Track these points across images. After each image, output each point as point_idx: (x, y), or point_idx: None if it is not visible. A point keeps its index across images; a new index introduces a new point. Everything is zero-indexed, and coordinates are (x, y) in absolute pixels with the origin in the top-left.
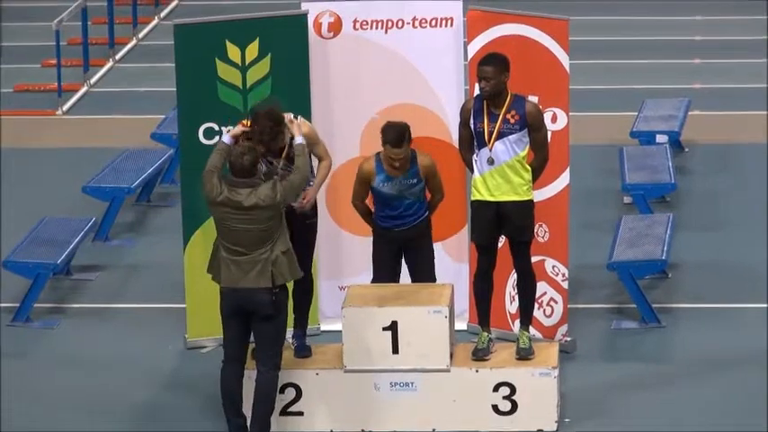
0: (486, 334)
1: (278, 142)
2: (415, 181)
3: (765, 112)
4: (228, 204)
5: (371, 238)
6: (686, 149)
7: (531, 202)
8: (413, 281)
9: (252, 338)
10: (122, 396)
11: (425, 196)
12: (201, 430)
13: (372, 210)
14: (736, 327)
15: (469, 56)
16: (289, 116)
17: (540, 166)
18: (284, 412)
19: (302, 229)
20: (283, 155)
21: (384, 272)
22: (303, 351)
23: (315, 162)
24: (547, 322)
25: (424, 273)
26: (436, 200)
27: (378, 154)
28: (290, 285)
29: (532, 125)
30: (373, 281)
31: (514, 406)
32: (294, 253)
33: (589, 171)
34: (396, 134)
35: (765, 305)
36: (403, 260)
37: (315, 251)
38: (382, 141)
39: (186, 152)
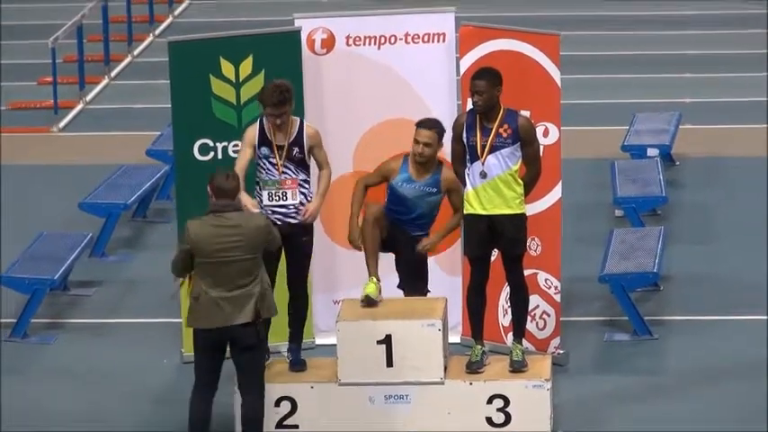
0: (479, 347)
1: (285, 112)
2: (434, 190)
3: (755, 126)
4: (214, 234)
5: (365, 254)
6: (677, 163)
7: (523, 215)
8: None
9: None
10: (119, 410)
11: (436, 215)
12: None
13: (363, 203)
14: (728, 338)
15: (462, 71)
16: (249, 204)
17: (532, 180)
18: (280, 425)
19: (297, 246)
20: (286, 144)
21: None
22: (298, 365)
23: (314, 169)
24: (540, 335)
25: (406, 279)
26: (456, 219)
27: (407, 155)
28: (285, 301)
29: (525, 139)
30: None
31: (508, 418)
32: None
33: (581, 185)
34: (429, 120)
35: (757, 317)
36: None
37: (309, 267)
38: (416, 126)
39: (181, 168)
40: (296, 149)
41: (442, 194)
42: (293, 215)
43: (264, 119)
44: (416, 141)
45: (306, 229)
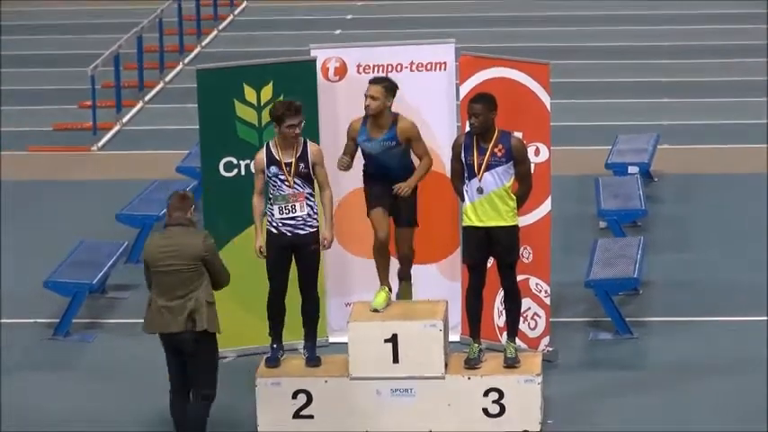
0: (476, 345)
1: (302, 121)
2: (393, 143)
3: (726, 146)
4: (162, 243)
5: (374, 260)
6: (655, 179)
7: (516, 226)
8: (394, 222)
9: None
10: (151, 401)
11: (410, 160)
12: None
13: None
14: (702, 338)
15: (461, 96)
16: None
17: (524, 195)
18: (296, 416)
19: (306, 254)
20: (294, 161)
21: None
22: (313, 361)
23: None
24: (531, 334)
25: (403, 213)
26: (424, 163)
27: (365, 115)
28: (299, 303)
29: (517, 158)
30: (369, 213)
31: (502, 409)
32: (215, 307)
33: (568, 199)
34: (379, 76)
35: (730, 318)
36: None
37: (321, 273)
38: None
39: (208, 183)
40: (302, 165)
41: (403, 145)
42: (302, 226)
43: (270, 143)
44: (365, 95)
45: (314, 239)
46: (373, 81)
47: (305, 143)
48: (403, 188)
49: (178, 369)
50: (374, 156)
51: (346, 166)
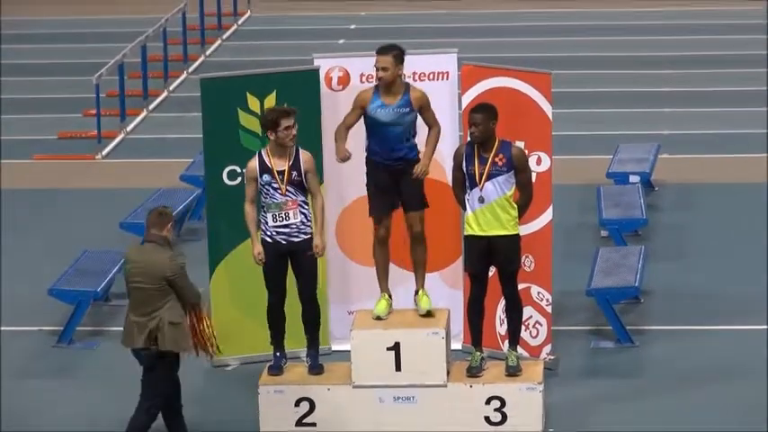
0: (478, 353)
1: (297, 123)
2: (407, 110)
3: (727, 156)
4: (134, 259)
5: (376, 271)
6: (656, 189)
7: (517, 235)
8: (404, 208)
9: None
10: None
11: (415, 134)
12: None
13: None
14: (702, 346)
15: (463, 106)
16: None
17: (525, 204)
18: (299, 423)
19: (302, 261)
20: (286, 168)
21: (378, 199)
22: (316, 369)
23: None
24: (533, 342)
25: (414, 199)
26: (434, 131)
27: (377, 85)
28: (299, 310)
29: (518, 167)
30: (372, 212)
31: (504, 417)
32: (182, 327)
33: (570, 208)
34: (386, 45)
35: (730, 326)
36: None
37: (322, 280)
38: (375, 53)
39: (212, 192)
40: (295, 173)
41: (415, 112)
42: (296, 234)
43: (262, 151)
44: (376, 67)
45: (309, 246)
46: (381, 51)
47: (297, 151)
48: (421, 169)
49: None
50: (383, 126)
51: (345, 158)
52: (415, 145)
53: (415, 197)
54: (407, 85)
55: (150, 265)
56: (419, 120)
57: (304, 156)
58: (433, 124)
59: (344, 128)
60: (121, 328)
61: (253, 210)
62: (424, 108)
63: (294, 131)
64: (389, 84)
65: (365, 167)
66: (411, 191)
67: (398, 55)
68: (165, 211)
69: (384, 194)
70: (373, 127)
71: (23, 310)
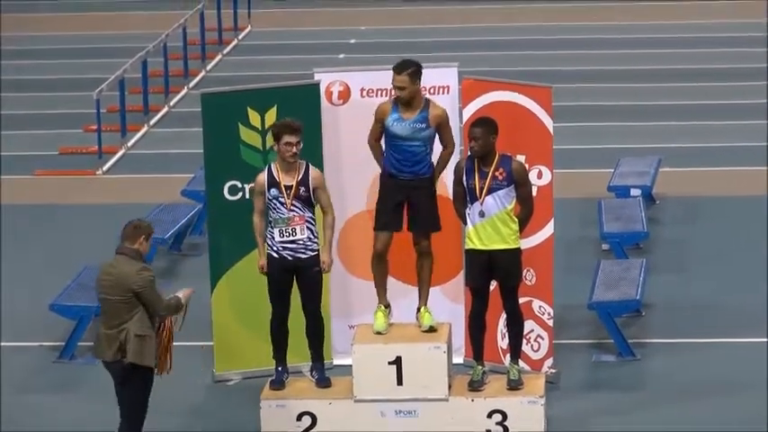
0: (480, 367)
1: (300, 141)
2: (423, 126)
3: (727, 168)
4: (105, 271)
5: (375, 284)
6: (657, 202)
7: (518, 249)
8: (412, 229)
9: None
10: (157, 423)
11: (432, 151)
12: None
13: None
14: (704, 359)
15: (464, 119)
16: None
17: (526, 218)
18: None
19: (308, 277)
20: (294, 184)
21: (385, 215)
22: (323, 382)
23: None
24: (534, 356)
25: (423, 219)
26: (447, 152)
27: (397, 97)
28: (300, 325)
29: (518, 181)
30: (376, 225)
31: (506, 431)
32: (149, 341)
33: (571, 221)
34: (402, 63)
35: (731, 339)
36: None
37: (326, 295)
38: (392, 71)
39: (213, 207)
40: (302, 188)
41: (432, 129)
42: (302, 250)
43: (272, 165)
44: (393, 86)
45: (315, 261)
46: (397, 70)
47: (307, 167)
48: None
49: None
50: (399, 140)
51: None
52: (432, 163)
53: (426, 219)
54: (428, 101)
55: (118, 277)
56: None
57: (314, 173)
58: (447, 144)
59: (374, 141)
60: None
61: (261, 221)
62: (442, 126)
63: (295, 149)
64: (410, 100)
65: (368, 182)
66: (424, 211)
67: (415, 72)
68: (139, 224)
69: (392, 213)
70: (390, 140)
71: (24, 325)
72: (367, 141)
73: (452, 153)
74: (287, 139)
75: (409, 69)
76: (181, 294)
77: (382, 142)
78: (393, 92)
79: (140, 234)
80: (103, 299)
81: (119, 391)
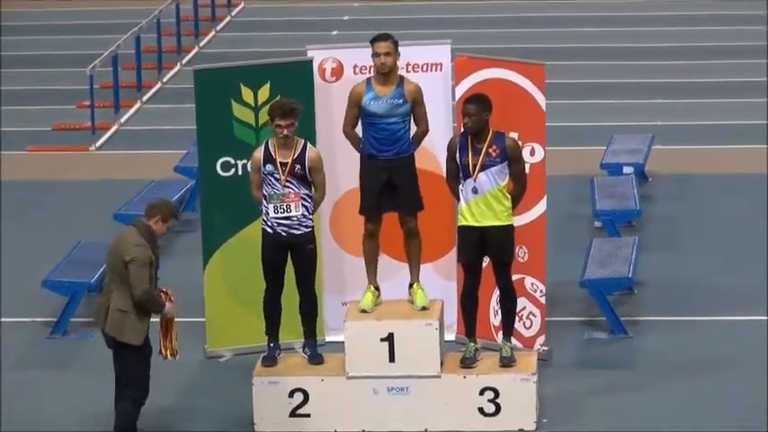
0: (472, 344)
1: (292, 124)
2: (400, 101)
3: (719, 147)
4: (114, 238)
5: (365, 263)
6: (650, 179)
7: (511, 226)
8: (397, 209)
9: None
10: (149, 399)
11: (410, 128)
12: (219, 430)
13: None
14: (696, 337)
15: (457, 97)
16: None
17: (519, 195)
18: (293, 414)
19: (302, 254)
20: (290, 161)
21: (370, 199)
22: (316, 359)
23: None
24: (526, 333)
25: (407, 199)
26: (420, 130)
27: (369, 78)
28: (297, 302)
29: (512, 158)
30: (362, 210)
31: (498, 408)
32: (133, 318)
33: (564, 199)
34: (382, 33)
35: (723, 317)
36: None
37: (318, 272)
38: (372, 42)
39: (205, 183)
40: (298, 166)
41: (409, 104)
42: (296, 226)
43: (269, 141)
44: (377, 54)
45: (309, 239)
46: (379, 38)
47: (304, 146)
48: None
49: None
50: (377, 118)
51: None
52: (411, 142)
53: (410, 200)
54: (401, 77)
55: (116, 247)
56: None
57: (311, 153)
58: (420, 122)
59: (350, 128)
60: None
61: (260, 194)
62: (417, 102)
63: (286, 131)
64: (388, 72)
65: (354, 162)
66: (406, 191)
67: (395, 42)
68: (156, 204)
69: (376, 195)
70: (368, 119)
71: (18, 301)
72: (342, 130)
73: (426, 132)
74: (277, 121)
75: (391, 38)
76: (167, 306)
77: (358, 129)
78: (372, 68)
79: (156, 214)
80: (107, 265)
81: (113, 360)
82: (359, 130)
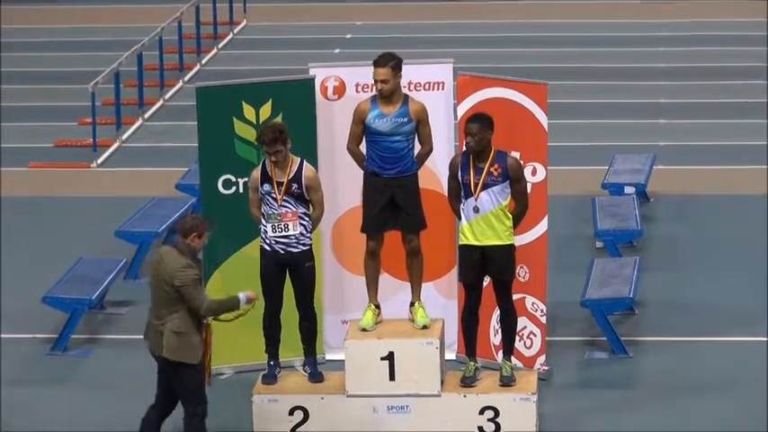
0: (472, 363)
1: (279, 150)
2: (405, 120)
3: (721, 167)
4: (155, 260)
5: (366, 281)
6: (651, 200)
7: (512, 246)
8: (400, 228)
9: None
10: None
11: (414, 147)
12: None
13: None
14: (696, 358)
15: (459, 116)
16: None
17: (520, 214)
18: None
19: (302, 272)
20: (286, 180)
21: (372, 216)
22: (316, 377)
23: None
24: (527, 353)
25: (410, 218)
26: (425, 150)
27: (374, 96)
28: (293, 320)
29: (513, 177)
30: (364, 228)
31: (498, 428)
32: (190, 339)
33: (565, 219)
34: (382, 57)
35: (723, 338)
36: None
37: (319, 290)
38: (372, 66)
39: (207, 201)
40: (295, 185)
41: (414, 123)
42: (295, 245)
43: (266, 160)
44: (375, 80)
45: (307, 257)
46: (378, 63)
47: (301, 164)
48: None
49: (159, 383)
50: (381, 138)
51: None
52: (416, 160)
53: (413, 219)
54: (406, 96)
55: (162, 271)
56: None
57: (308, 172)
58: (424, 141)
59: (355, 145)
60: (116, 336)
61: (258, 213)
62: (422, 122)
63: (274, 158)
64: (389, 95)
65: (361, 177)
66: (409, 210)
67: (396, 64)
68: (190, 222)
69: (379, 213)
70: (372, 137)
71: (18, 317)
72: (346, 148)
73: (430, 152)
74: (265, 149)
75: (391, 62)
76: (242, 295)
77: (362, 147)
78: (374, 87)
79: (192, 231)
80: (151, 287)
81: (167, 381)
82: (363, 147)
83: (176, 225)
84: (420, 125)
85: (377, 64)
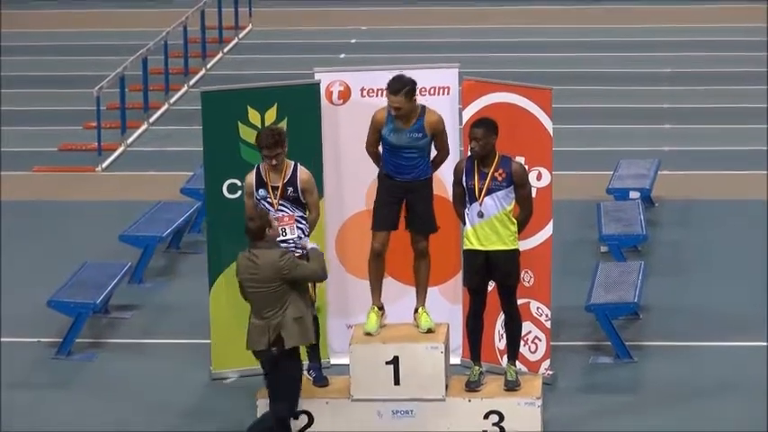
0: (477, 368)
1: (279, 154)
2: (420, 135)
3: (725, 172)
4: (245, 264)
5: (370, 284)
6: (656, 204)
7: (517, 250)
8: (410, 229)
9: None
10: (154, 421)
11: (429, 155)
12: None
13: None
14: (699, 362)
15: (464, 120)
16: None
17: (525, 219)
18: None
19: None
20: (281, 185)
21: (382, 213)
22: (321, 381)
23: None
24: (531, 357)
25: (421, 221)
26: (440, 156)
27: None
28: None
29: (518, 182)
30: (373, 225)
31: None
32: (309, 319)
33: (570, 223)
34: (396, 82)
35: (727, 343)
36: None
37: (323, 294)
38: (386, 89)
39: (212, 205)
40: (290, 189)
41: (429, 137)
42: (293, 249)
43: (260, 165)
44: (389, 104)
45: (308, 260)
46: (392, 91)
47: (295, 168)
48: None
49: (268, 384)
50: (396, 149)
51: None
52: (430, 165)
53: (424, 221)
54: (423, 108)
55: (261, 269)
56: None
57: (302, 174)
58: (441, 149)
59: (372, 148)
60: (120, 341)
61: None
62: (438, 134)
63: (274, 161)
64: (405, 116)
65: (367, 182)
66: (421, 212)
67: (409, 91)
68: (256, 221)
69: (389, 211)
70: (387, 147)
71: (22, 321)
72: (365, 148)
73: (446, 157)
74: (264, 152)
75: (405, 89)
76: (309, 246)
77: (380, 147)
78: (380, 91)
79: (263, 228)
80: (251, 292)
81: (269, 377)
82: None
83: (247, 234)
84: (436, 137)
85: (390, 90)
